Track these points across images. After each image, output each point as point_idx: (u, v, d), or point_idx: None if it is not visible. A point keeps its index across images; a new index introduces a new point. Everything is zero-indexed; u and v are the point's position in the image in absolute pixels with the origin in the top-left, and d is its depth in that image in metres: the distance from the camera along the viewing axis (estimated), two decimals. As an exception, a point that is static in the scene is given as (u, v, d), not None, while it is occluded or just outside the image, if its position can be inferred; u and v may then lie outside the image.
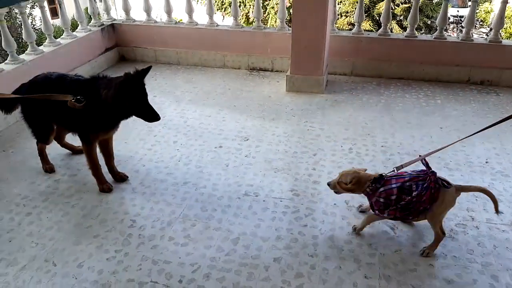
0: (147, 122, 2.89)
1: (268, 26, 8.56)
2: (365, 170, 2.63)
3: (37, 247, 2.62)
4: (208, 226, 2.77)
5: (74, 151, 3.62)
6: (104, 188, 3.11)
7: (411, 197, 2.35)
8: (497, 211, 2.45)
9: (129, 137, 3.81)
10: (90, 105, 2.75)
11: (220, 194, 3.08)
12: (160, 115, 2.78)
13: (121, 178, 3.24)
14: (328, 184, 2.66)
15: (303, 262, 2.48)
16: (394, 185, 2.40)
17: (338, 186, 2.59)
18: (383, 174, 2.48)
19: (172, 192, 3.11)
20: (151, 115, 2.76)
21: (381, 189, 2.43)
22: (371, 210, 2.58)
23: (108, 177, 3.20)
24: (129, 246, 2.61)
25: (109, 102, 2.67)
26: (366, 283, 2.34)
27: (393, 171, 2.50)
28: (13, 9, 12.28)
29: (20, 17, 4.71)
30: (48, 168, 3.39)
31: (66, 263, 2.50)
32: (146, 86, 2.73)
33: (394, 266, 2.45)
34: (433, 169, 2.39)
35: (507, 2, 4.66)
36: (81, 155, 3.53)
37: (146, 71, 2.68)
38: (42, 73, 3.13)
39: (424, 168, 2.42)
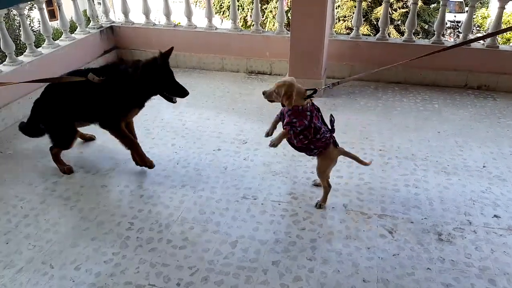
0: (172, 100, 3.08)
1: (267, 30, 8.57)
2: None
3: (35, 249, 2.61)
4: (206, 229, 2.77)
5: (85, 138, 3.76)
6: (148, 164, 3.30)
7: (314, 136, 2.71)
8: (360, 162, 2.97)
9: (127, 139, 3.80)
10: (114, 84, 2.95)
11: (218, 197, 3.08)
12: (188, 91, 3.04)
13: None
14: (263, 93, 2.76)
15: (302, 266, 2.48)
16: (307, 121, 2.68)
17: (273, 95, 2.71)
18: (317, 89, 2.76)
19: (170, 195, 3.10)
20: (180, 91, 3.01)
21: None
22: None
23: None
24: (126, 249, 2.61)
25: (136, 79, 2.89)
26: (365, 287, 2.35)
27: (328, 86, 2.93)
28: (12, 11, 12.28)
29: (18, 18, 4.71)
30: (67, 169, 3.35)
31: (63, 266, 2.49)
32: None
33: (392, 270, 2.45)
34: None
35: (504, 8, 4.70)
36: (78, 155, 3.53)
37: (169, 52, 2.91)
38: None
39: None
